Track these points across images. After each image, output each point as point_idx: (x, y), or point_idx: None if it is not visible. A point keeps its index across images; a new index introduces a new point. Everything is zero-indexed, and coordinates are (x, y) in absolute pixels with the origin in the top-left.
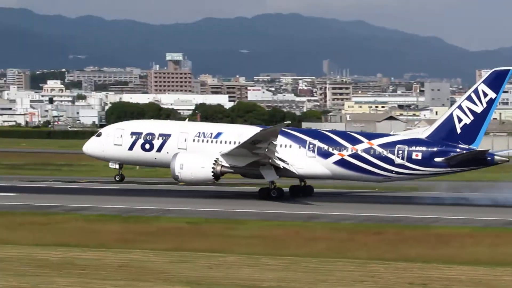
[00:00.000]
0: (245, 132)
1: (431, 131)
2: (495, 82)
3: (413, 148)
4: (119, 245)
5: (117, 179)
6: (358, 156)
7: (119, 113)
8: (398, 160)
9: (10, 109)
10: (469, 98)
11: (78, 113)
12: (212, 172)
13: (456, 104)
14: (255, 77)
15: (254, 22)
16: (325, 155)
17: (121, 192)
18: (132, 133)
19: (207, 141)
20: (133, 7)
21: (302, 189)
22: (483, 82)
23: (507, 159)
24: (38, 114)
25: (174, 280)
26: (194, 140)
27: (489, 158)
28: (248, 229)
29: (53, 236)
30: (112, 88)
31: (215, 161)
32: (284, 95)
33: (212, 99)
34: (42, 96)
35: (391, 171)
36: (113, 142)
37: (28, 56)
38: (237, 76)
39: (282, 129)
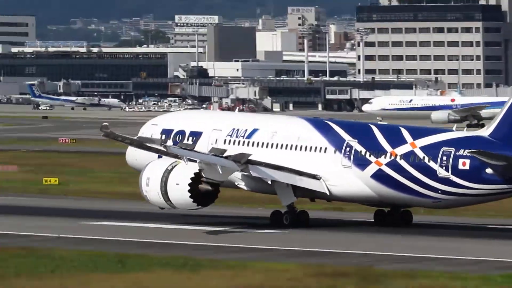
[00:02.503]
0: (282, 128)
1: (495, 124)
2: None
3: (461, 152)
4: None
5: None
6: (396, 165)
7: None
8: (441, 172)
9: None
10: None
11: None
12: (189, 191)
13: None
14: None
15: None
16: (362, 164)
17: None
18: (163, 131)
19: (239, 142)
20: None
21: (392, 216)
22: None
23: None
24: None
25: None
26: (225, 141)
27: None
28: None
29: None
30: None
31: (195, 174)
32: None
33: None
34: None
35: (437, 190)
36: None
37: None
38: None
39: (324, 121)
